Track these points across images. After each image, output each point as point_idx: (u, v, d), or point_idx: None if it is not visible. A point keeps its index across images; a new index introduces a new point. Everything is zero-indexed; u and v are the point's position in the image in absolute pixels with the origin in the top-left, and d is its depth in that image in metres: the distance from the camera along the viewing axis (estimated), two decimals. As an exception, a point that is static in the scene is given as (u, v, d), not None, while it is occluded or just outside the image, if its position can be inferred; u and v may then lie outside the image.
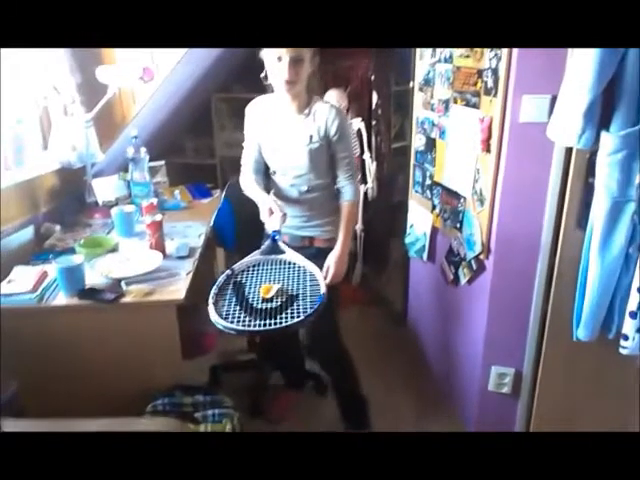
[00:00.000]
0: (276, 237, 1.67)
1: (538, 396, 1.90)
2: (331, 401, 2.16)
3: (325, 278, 1.72)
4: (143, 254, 1.90)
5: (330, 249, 1.83)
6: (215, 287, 1.50)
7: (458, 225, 2.06)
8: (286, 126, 1.80)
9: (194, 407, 1.67)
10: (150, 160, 2.56)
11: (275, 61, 1.65)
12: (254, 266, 1.63)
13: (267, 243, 1.68)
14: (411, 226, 2.52)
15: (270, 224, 1.71)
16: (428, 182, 2.30)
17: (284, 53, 1.62)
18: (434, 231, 2.34)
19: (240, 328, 1.36)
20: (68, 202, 2.43)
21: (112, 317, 1.67)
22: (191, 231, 2.23)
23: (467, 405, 2.17)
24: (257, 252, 1.68)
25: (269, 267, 1.62)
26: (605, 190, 1.54)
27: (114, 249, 1.99)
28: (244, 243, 2.49)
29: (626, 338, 1.60)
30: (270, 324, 1.36)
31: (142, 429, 1.37)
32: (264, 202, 1.75)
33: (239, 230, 2.41)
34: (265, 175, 1.95)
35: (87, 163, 2.40)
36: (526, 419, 1.98)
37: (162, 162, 2.86)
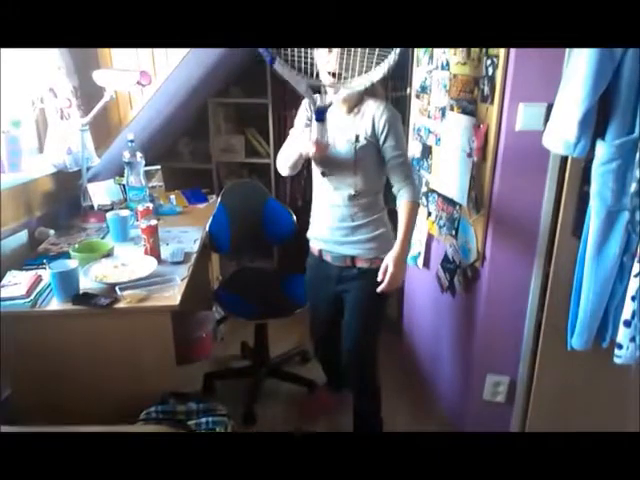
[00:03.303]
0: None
1: (532, 405, 1.90)
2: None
3: (382, 280, 1.69)
4: (138, 259, 1.90)
5: (372, 271, 1.74)
6: None
7: (454, 232, 2.06)
8: (334, 125, 1.74)
9: (187, 415, 1.66)
10: (146, 164, 2.56)
11: (325, 55, 1.62)
12: None
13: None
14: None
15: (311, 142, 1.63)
16: (424, 189, 2.30)
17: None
18: (429, 238, 2.34)
19: None
20: (63, 206, 2.42)
21: (106, 323, 1.66)
22: (186, 236, 2.22)
23: (461, 413, 2.16)
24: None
25: None
26: (600, 199, 1.54)
27: (109, 254, 1.98)
28: (239, 248, 2.51)
29: (620, 347, 1.60)
30: None
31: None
32: (302, 140, 1.68)
33: (234, 235, 2.41)
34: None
35: (83, 167, 2.39)
36: (520, 428, 1.97)
37: (158, 166, 2.86)
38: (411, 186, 1.74)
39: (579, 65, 1.44)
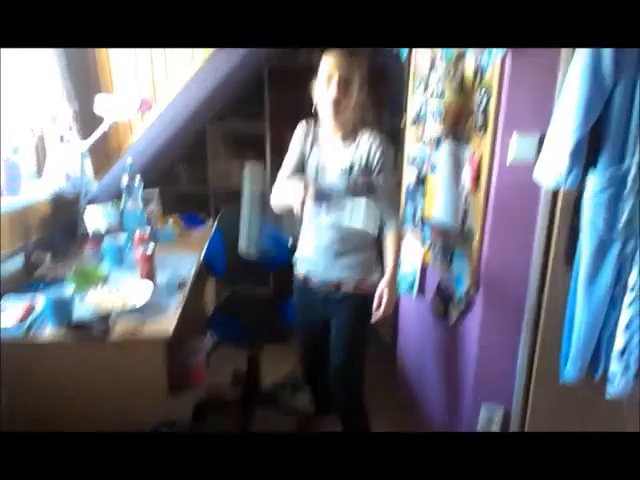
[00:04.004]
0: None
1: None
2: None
3: (379, 307, 1.73)
4: (133, 286, 1.90)
5: (358, 294, 1.82)
6: None
7: (448, 261, 2.07)
8: (329, 154, 1.81)
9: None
10: (144, 187, 2.57)
11: (325, 81, 1.70)
12: None
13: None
14: (401, 262, 2.52)
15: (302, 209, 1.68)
16: (418, 217, 2.32)
17: (335, 73, 1.68)
18: (424, 266, 2.35)
19: None
20: (60, 231, 2.43)
21: (98, 352, 1.65)
22: (182, 262, 2.23)
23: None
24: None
25: None
26: (591, 229, 1.56)
27: (105, 280, 1.98)
28: (234, 273, 2.51)
29: (612, 379, 1.60)
30: None
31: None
32: (294, 185, 1.71)
33: (230, 259, 2.42)
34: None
35: (81, 192, 2.41)
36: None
37: (156, 189, 2.87)
38: (397, 217, 1.83)
39: (570, 96, 1.47)
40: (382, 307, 1.73)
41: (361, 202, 1.68)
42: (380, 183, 1.77)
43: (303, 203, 1.66)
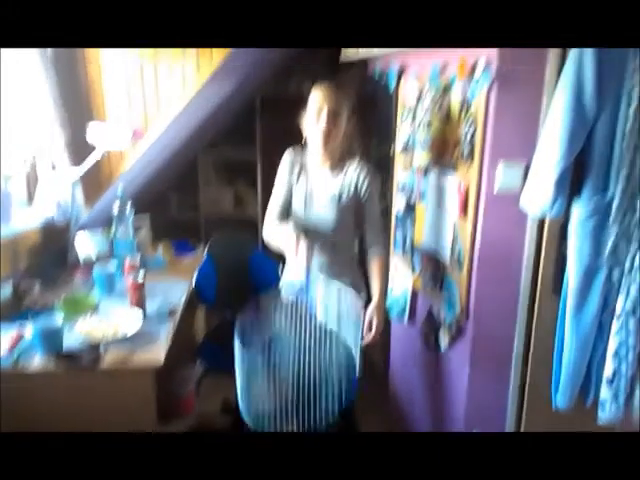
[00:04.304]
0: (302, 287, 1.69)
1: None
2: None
3: (370, 330, 1.77)
4: (123, 315, 1.89)
5: None
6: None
7: (438, 288, 2.08)
8: (318, 182, 1.87)
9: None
10: (135, 214, 2.57)
11: (315, 113, 1.77)
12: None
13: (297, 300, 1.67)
14: (392, 288, 2.54)
15: (297, 262, 1.70)
16: (408, 244, 2.34)
17: (324, 105, 1.76)
18: (415, 293, 2.36)
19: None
20: (49, 259, 2.42)
21: (88, 381, 1.63)
22: (173, 289, 2.22)
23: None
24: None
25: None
26: (577, 257, 1.59)
27: (95, 309, 1.97)
28: (225, 300, 2.50)
29: (603, 406, 1.61)
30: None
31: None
32: (288, 234, 1.75)
33: (220, 286, 2.42)
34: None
35: (71, 220, 2.41)
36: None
37: (147, 215, 2.87)
38: (382, 242, 1.91)
39: (554, 127, 1.50)
40: (373, 330, 1.77)
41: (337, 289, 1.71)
42: (367, 210, 1.84)
43: (296, 253, 1.70)
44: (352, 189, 1.83)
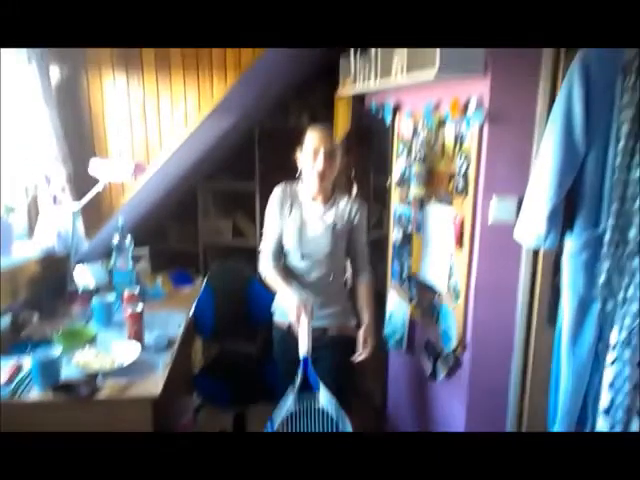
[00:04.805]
0: (308, 363, 1.71)
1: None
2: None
3: (366, 347, 1.88)
4: (121, 346, 1.89)
5: (340, 338, 1.94)
6: None
7: (435, 318, 2.10)
8: (311, 213, 1.95)
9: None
10: (134, 245, 2.60)
11: (312, 154, 1.85)
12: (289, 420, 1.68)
13: (299, 376, 1.70)
14: (390, 317, 2.55)
15: (299, 327, 1.75)
16: (405, 273, 2.36)
17: (321, 147, 1.85)
18: (412, 323, 2.37)
19: None
20: (48, 290, 2.43)
21: (86, 413, 1.62)
22: (171, 321, 2.23)
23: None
24: (290, 391, 1.71)
25: (304, 420, 1.68)
26: (571, 289, 1.60)
27: (92, 340, 1.98)
28: (222, 330, 2.51)
29: (600, 437, 1.61)
30: None
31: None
32: (291, 300, 1.80)
33: (219, 316, 2.43)
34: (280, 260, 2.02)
35: (71, 251, 2.43)
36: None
37: (146, 248, 2.90)
38: (368, 270, 2.03)
39: (545, 163, 1.54)
40: (367, 349, 1.88)
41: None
42: (356, 239, 1.97)
43: (298, 319, 1.76)
44: (345, 218, 1.94)
